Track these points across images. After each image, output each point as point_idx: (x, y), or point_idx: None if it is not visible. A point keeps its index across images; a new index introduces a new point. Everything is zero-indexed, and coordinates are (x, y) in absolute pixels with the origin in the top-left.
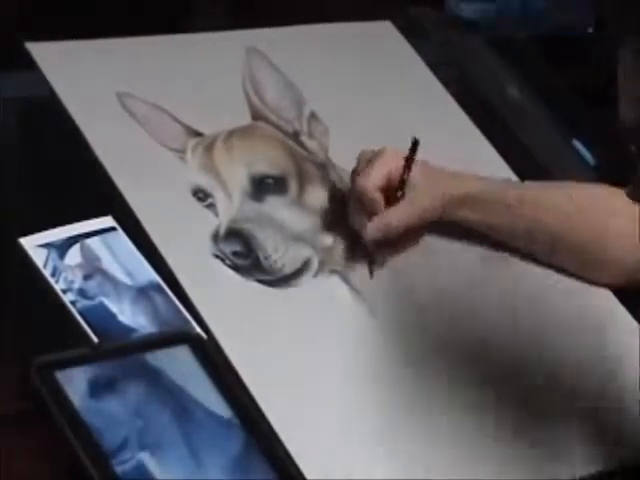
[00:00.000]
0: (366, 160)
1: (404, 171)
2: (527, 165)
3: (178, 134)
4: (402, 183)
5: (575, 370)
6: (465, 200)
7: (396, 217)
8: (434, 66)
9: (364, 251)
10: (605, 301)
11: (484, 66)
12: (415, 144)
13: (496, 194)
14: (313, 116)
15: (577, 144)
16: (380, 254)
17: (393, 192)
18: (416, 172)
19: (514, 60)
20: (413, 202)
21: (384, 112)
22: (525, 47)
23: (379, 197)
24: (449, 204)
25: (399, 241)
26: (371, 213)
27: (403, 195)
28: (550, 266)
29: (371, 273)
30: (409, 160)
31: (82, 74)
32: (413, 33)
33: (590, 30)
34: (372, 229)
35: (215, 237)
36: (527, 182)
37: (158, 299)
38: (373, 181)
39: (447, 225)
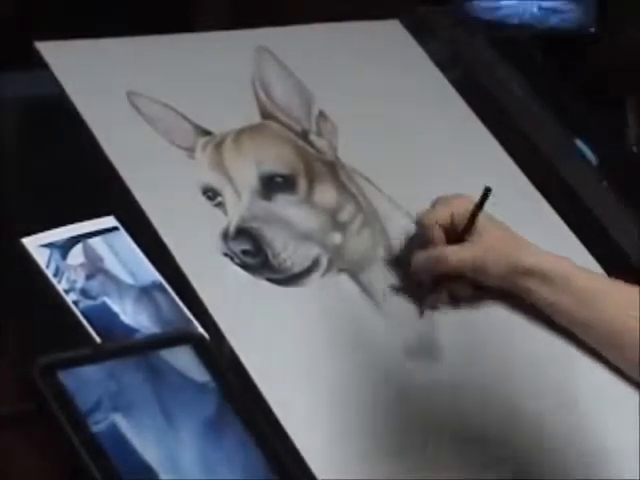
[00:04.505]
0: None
1: (471, 217)
2: (533, 165)
3: (188, 133)
4: (468, 227)
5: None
6: (532, 271)
7: (452, 252)
8: (442, 65)
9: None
10: None
11: (490, 65)
12: (486, 193)
13: (565, 273)
14: (322, 115)
15: (579, 144)
16: (432, 293)
17: (455, 235)
18: (484, 222)
19: (518, 60)
20: (474, 247)
21: (392, 111)
22: (529, 47)
23: (438, 231)
24: (514, 270)
25: (453, 287)
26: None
27: (465, 240)
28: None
29: (421, 313)
30: (478, 207)
31: (92, 73)
32: (421, 32)
33: (592, 30)
34: (421, 257)
35: (225, 236)
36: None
37: (160, 299)
38: (434, 215)
39: (509, 296)
